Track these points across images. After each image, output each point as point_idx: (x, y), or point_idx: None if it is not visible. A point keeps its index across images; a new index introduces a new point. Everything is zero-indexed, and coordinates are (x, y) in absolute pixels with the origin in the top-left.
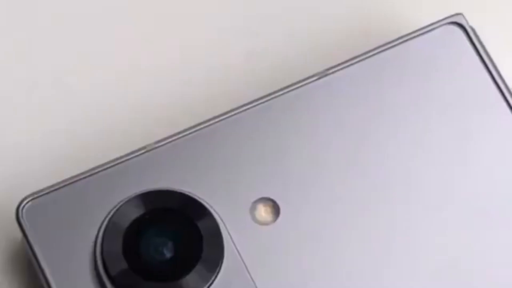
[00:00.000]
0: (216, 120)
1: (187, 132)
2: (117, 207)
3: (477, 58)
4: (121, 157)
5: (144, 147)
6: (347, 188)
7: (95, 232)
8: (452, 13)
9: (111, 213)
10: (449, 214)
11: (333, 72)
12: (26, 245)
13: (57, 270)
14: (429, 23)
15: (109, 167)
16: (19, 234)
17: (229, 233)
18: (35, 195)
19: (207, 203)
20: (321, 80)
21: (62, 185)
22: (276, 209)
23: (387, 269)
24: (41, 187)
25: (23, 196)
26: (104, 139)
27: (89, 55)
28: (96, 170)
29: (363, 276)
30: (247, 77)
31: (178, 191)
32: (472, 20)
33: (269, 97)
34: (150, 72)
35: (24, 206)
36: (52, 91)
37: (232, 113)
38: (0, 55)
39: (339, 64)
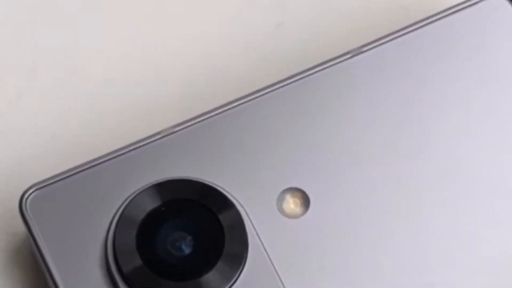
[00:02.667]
0: (240, 102)
1: (208, 116)
2: (130, 198)
3: None
4: (135, 143)
5: (160, 132)
6: (384, 177)
7: (106, 226)
8: None
9: (124, 205)
10: (501, 207)
11: (368, 50)
12: (30, 240)
13: (64, 267)
14: None
15: (122, 154)
16: (21, 229)
17: (253, 226)
18: (40, 185)
19: (229, 193)
20: (355, 58)
21: (70, 173)
22: (305, 201)
23: (429, 268)
24: (46, 176)
25: (27, 186)
26: (117, 124)
27: (100, 34)
28: (108, 157)
29: (401, 276)
30: (274, 54)
31: (198, 180)
32: None
33: (298, 77)
34: (170, 49)
35: (28, 197)
36: (60, 73)
37: (258, 94)
38: (3, 30)
39: (374, 41)
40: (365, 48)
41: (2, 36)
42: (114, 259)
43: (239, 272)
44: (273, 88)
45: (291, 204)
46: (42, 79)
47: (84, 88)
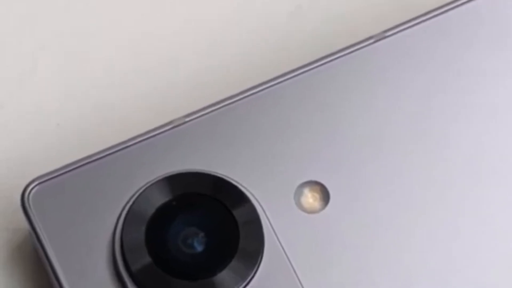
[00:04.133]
0: (256, 90)
1: (222, 105)
2: (139, 192)
3: None
4: (144, 133)
5: (170, 122)
6: (409, 169)
7: (114, 221)
8: None
9: (133, 199)
10: None
11: (392, 35)
12: (32, 237)
13: (68, 265)
14: None
15: (130, 146)
16: (23, 225)
17: (270, 222)
18: (44, 178)
19: (244, 187)
20: (378, 43)
21: (75, 166)
22: (325, 195)
23: (453, 267)
24: (50, 169)
25: (29, 179)
26: (125, 114)
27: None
28: (115, 149)
29: (425, 274)
30: (292, 39)
31: (211, 173)
32: None
33: (317, 64)
34: (181, 36)
35: (30, 191)
36: (65, 59)
37: (275, 82)
38: (4, 20)
39: (399, 25)
40: (388, 33)
41: (3, 22)
42: (121, 256)
43: (254, 270)
44: (291, 75)
45: (310, 198)
46: (46, 66)
47: (91, 75)
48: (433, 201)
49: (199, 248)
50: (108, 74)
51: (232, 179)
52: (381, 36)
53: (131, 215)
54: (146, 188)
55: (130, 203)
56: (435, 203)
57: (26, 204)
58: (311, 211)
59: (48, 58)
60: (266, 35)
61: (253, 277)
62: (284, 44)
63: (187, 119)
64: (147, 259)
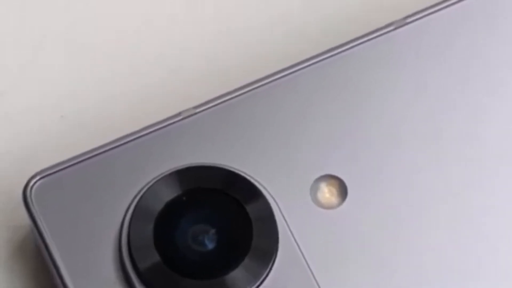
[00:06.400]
0: (270, 80)
1: (234, 95)
2: (147, 187)
3: None
4: (152, 125)
5: (180, 113)
6: (430, 162)
7: (120, 218)
8: None
9: (140, 194)
10: None
11: (413, 21)
12: (35, 234)
13: (73, 263)
14: None
15: (138, 138)
16: (24, 221)
17: (284, 218)
18: (47, 172)
19: (258, 181)
20: (398, 30)
21: (79, 159)
22: (342, 190)
23: (476, 266)
24: (53, 162)
25: (31, 173)
26: (132, 105)
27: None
28: (122, 142)
29: (446, 274)
30: (309, 25)
31: (222, 167)
32: None
33: (334, 52)
34: (190, 23)
35: (33, 186)
36: (69, 47)
37: (290, 70)
38: (6, 8)
39: (420, 11)
40: (409, 19)
41: (5, 10)
42: (128, 255)
43: (268, 269)
44: (306, 64)
45: (327, 193)
46: (49, 54)
47: (96, 64)
48: (455, 198)
49: (210, 246)
50: (114, 64)
51: (245, 173)
52: (402, 23)
53: (138, 211)
54: (154, 183)
55: (138, 198)
56: (458, 200)
57: (28, 199)
58: (328, 207)
59: (51, 47)
60: (281, 20)
61: (266, 276)
62: (300, 30)
63: (197, 110)
64: (155, 258)
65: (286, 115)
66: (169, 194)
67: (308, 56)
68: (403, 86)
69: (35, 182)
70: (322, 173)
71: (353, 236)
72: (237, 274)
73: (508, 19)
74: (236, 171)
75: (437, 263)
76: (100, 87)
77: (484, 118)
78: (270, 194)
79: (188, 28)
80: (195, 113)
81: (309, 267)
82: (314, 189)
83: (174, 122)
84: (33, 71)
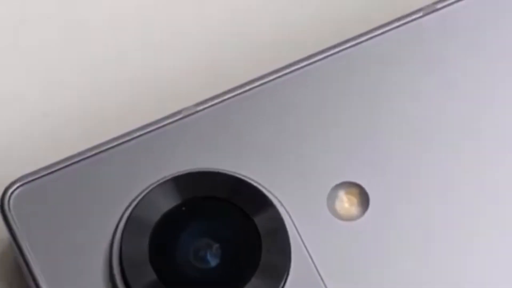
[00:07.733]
0: (279, 74)
1: (239, 92)
2: (142, 195)
3: None
4: (148, 125)
5: (180, 112)
6: (461, 166)
7: (111, 231)
8: None
9: (135, 203)
10: None
11: (443, 7)
12: (13, 248)
13: (56, 282)
14: None
15: (131, 139)
16: (2, 234)
17: (297, 231)
18: (27, 179)
19: (267, 189)
20: (427, 17)
21: (64, 164)
22: (364, 199)
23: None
24: (35, 167)
25: (10, 180)
26: (126, 101)
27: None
28: (113, 144)
29: None
30: (327, 10)
31: (228, 173)
32: None
33: (354, 42)
34: (196, 17)
35: (11, 194)
36: (52, 31)
37: (302, 64)
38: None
39: None
40: (439, 5)
41: None
42: (120, 272)
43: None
44: (321, 56)
45: (346, 203)
46: (29, 39)
47: (84, 52)
48: (490, 208)
49: (213, 262)
50: (104, 53)
51: (253, 180)
52: (431, 9)
53: (132, 223)
54: (150, 191)
55: (131, 208)
56: (493, 210)
57: (6, 210)
58: (347, 218)
59: (33, 27)
60: (300, 8)
61: None
62: (316, 15)
63: (199, 108)
64: (150, 275)
65: (300, 114)
66: (166, 203)
67: (322, 48)
68: (431, 80)
69: (14, 190)
70: (341, 180)
71: (374, 252)
72: None
73: None
74: (242, 178)
75: (474, 283)
76: (86, 82)
77: None
78: (281, 203)
79: (189, 18)
80: (197, 111)
81: (325, 286)
82: (331, 198)
83: (173, 122)
84: (9, 59)
